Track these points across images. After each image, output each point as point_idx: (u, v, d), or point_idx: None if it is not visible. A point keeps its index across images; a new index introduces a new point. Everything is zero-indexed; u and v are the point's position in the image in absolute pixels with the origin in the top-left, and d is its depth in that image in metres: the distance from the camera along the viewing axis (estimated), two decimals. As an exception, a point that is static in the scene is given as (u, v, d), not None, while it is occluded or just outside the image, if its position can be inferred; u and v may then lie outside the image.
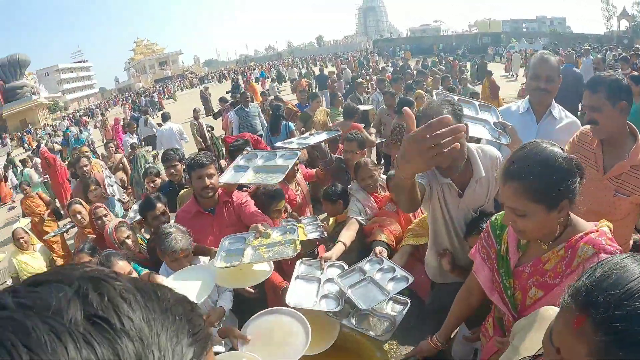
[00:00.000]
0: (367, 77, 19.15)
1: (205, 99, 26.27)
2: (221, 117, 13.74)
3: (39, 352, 0.46)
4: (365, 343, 2.92)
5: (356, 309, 2.98)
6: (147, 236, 4.79)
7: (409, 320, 2.98)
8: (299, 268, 3.44)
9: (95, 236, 5.10)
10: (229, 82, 43.20)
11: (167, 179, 6.04)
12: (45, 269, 5.93)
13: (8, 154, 25.93)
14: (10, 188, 16.65)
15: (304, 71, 37.04)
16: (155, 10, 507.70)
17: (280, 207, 4.36)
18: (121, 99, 63.63)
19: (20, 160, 16.83)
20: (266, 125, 9.61)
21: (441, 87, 11.11)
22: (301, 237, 3.57)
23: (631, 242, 3.23)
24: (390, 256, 3.62)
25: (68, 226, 7.63)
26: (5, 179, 17.40)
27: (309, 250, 4.20)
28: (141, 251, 4.38)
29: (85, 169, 7.21)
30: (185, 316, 0.58)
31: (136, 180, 8.00)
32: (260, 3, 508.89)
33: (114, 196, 6.18)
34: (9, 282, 6.56)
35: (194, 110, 13.32)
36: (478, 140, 3.33)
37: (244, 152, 4.51)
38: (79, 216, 5.53)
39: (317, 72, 29.33)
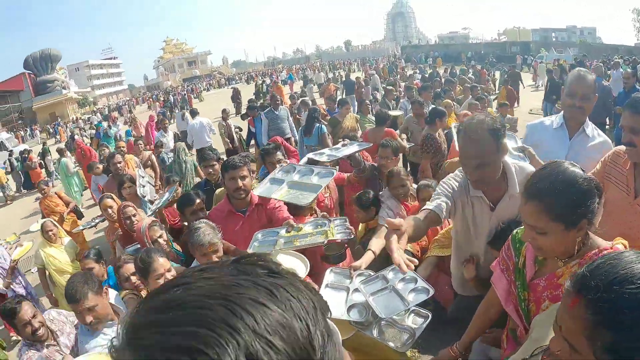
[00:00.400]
0: (395, 83, 19.09)
1: (236, 99, 26.55)
2: (249, 119, 13.85)
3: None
4: (389, 348, 2.92)
5: (378, 319, 2.98)
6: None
7: (431, 328, 2.98)
8: (329, 277, 3.46)
9: (122, 232, 5.21)
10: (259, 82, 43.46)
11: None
12: (70, 263, 6.10)
13: (44, 143, 26.64)
14: (46, 176, 17.00)
15: (331, 75, 37.15)
16: (185, 11, 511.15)
17: (309, 212, 4.44)
18: (149, 97, 64.24)
19: (57, 150, 17.28)
20: (293, 127, 9.82)
21: (470, 96, 11.02)
22: (330, 236, 3.60)
23: None
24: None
25: (97, 220, 7.74)
26: (41, 166, 17.89)
27: (337, 252, 4.24)
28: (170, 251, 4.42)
29: (119, 165, 7.33)
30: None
31: (176, 171, 8.14)
32: (289, 6, 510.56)
33: (144, 197, 6.23)
34: (34, 270, 6.63)
35: (223, 111, 13.37)
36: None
37: (282, 164, 4.55)
38: (109, 210, 5.60)
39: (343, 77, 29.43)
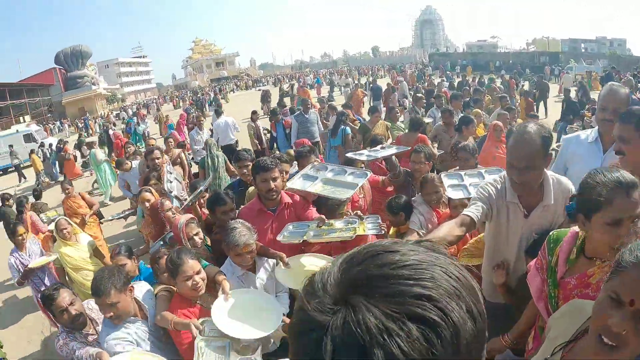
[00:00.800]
0: (423, 91, 19.03)
1: (266, 100, 26.77)
2: (270, 123, 14.01)
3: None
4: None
5: None
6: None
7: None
8: None
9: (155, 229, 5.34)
10: (286, 86, 43.66)
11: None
12: (88, 260, 6.17)
13: (80, 135, 27.41)
14: (81, 167, 17.39)
15: (364, 81, 37.16)
16: (214, 12, 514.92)
17: (342, 211, 4.51)
18: (175, 96, 64.91)
19: (86, 143, 17.97)
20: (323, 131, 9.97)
21: (499, 106, 10.93)
22: (360, 232, 3.71)
23: None
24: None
25: (127, 212, 7.86)
26: (76, 158, 18.37)
27: None
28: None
29: (157, 161, 7.38)
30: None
31: (208, 165, 8.28)
32: (317, 10, 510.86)
33: (171, 192, 6.34)
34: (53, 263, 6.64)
35: (253, 112, 13.51)
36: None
37: (314, 163, 4.65)
38: (147, 204, 5.69)
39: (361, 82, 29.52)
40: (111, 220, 9.62)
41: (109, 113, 54.79)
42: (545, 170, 2.86)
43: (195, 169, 10.11)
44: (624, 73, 29.34)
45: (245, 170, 5.74)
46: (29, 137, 30.53)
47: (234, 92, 61.53)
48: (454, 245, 4.26)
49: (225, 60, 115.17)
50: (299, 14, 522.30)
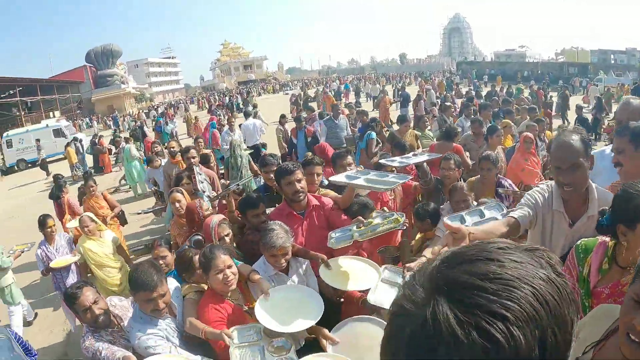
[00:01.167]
0: (451, 99, 18.89)
1: (297, 103, 27.05)
2: (291, 129, 14.14)
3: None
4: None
5: None
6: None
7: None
8: (384, 273, 3.66)
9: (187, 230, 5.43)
10: (312, 91, 43.82)
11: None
12: (111, 256, 6.28)
13: (115, 130, 28.13)
14: (114, 161, 17.73)
15: (395, 88, 37.14)
16: (244, 16, 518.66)
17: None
18: (201, 98, 65.57)
19: (124, 138, 18.46)
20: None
21: (527, 118, 10.84)
22: (400, 221, 3.79)
23: None
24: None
25: (158, 207, 7.99)
26: (111, 151, 18.77)
27: (392, 255, 4.42)
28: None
29: (192, 160, 7.49)
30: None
31: (232, 165, 8.42)
32: (345, 16, 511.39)
33: (204, 192, 6.45)
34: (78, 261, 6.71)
35: (282, 116, 13.68)
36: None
37: (353, 168, 4.71)
38: (177, 204, 5.77)
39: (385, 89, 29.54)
40: (139, 214, 9.78)
41: (140, 111, 55.42)
42: (590, 181, 2.94)
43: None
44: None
45: (272, 175, 5.69)
46: (58, 132, 31.11)
47: (260, 95, 61.82)
48: None
49: (253, 64, 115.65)
50: (328, 19, 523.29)
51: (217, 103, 45.78)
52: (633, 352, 1.51)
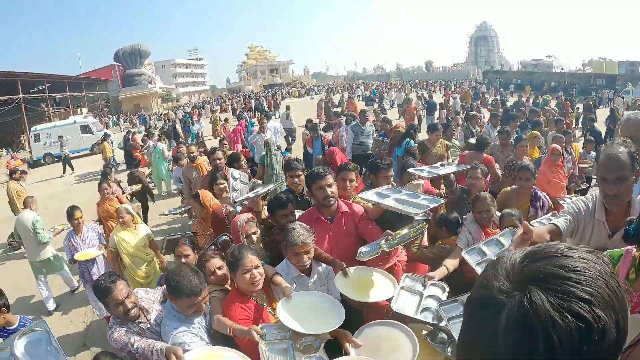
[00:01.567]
0: (478, 109, 18.71)
1: (328, 108, 27.39)
2: (331, 130, 14.15)
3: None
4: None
5: (453, 339, 3.12)
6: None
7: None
8: (404, 280, 3.71)
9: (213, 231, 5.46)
10: (337, 97, 43.89)
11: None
12: (142, 248, 6.46)
13: (150, 127, 29.51)
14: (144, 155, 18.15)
15: (419, 95, 37.05)
16: (271, 20, 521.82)
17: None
18: (224, 100, 66.07)
19: (158, 135, 18.94)
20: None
21: (554, 129, 10.71)
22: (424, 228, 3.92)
23: None
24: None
25: (184, 209, 8.09)
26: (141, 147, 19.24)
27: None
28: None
29: (218, 161, 7.51)
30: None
31: (267, 163, 8.58)
32: (372, 22, 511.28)
33: (235, 202, 6.41)
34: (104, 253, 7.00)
35: (308, 120, 13.75)
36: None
37: (390, 186, 4.70)
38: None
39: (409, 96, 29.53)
40: (167, 215, 9.92)
41: (169, 111, 56.11)
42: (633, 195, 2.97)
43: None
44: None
45: (297, 180, 5.74)
46: (85, 129, 31.87)
47: (284, 99, 62.06)
48: None
49: (279, 68, 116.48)
50: (354, 25, 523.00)
51: (242, 106, 45.99)
52: None
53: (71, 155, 25.57)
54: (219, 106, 59.31)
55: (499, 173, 7.28)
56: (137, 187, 11.61)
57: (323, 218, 4.29)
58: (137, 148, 19.16)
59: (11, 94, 41.90)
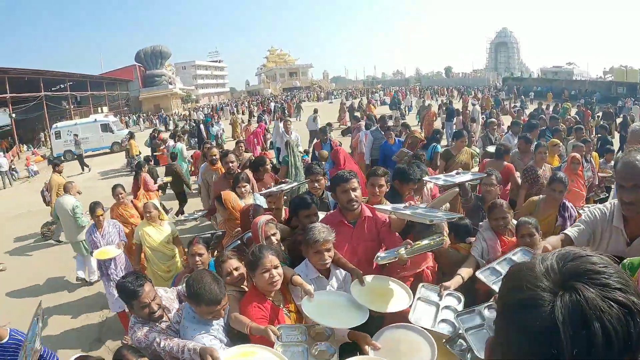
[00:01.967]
0: (497, 116, 18.54)
1: (351, 111, 27.62)
2: (350, 134, 14.23)
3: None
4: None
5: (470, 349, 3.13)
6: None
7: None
8: (420, 291, 3.71)
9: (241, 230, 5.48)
10: (356, 101, 43.98)
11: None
12: (165, 243, 6.59)
13: (176, 126, 30.59)
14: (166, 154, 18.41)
15: (434, 103, 36.97)
16: (291, 23, 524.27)
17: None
18: (242, 102, 66.42)
19: (178, 135, 19.50)
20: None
21: (574, 138, 10.68)
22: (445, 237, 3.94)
23: None
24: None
25: (199, 213, 8.16)
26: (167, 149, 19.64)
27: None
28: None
29: (231, 165, 7.57)
30: None
31: (291, 163, 8.74)
32: (392, 27, 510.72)
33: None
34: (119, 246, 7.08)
35: (327, 124, 13.85)
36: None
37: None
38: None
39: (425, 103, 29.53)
40: (184, 220, 10.04)
41: (191, 111, 56.82)
42: None
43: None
44: None
45: (317, 184, 5.82)
46: (106, 127, 32.36)
47: (302, 102, 62.10)
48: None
49: (299, 71, 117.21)
50: (374, 30, 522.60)
51: (262, 108, 46.17)
52: None
53: (91, 153, 25.85)
54: (235, 108, 59.56)
55: (519, 181, 7.25)
56: (168, 178, 12.20)
57: (345, 221, 4.31)
58: (161, 147, 19.47)
59: (34, 92, 42.56)
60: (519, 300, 0.95)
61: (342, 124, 27.56)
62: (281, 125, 13.84)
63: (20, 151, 38.70)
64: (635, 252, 2.90)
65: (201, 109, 60.65)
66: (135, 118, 56.24)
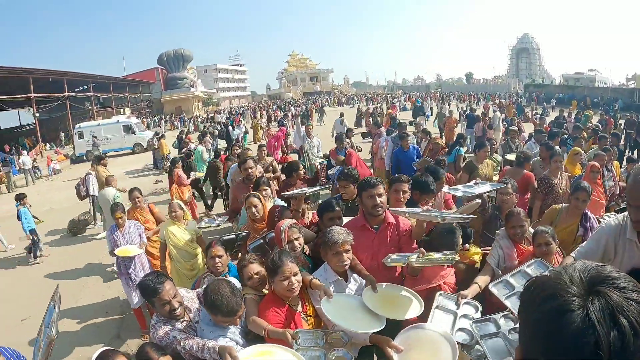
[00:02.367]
0: (519, 123, 18.33)
1: (376, 116, 27.86)
2: (370, 138, 14.30)
3: None
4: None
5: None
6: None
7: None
8: (438, 299, 3.73)
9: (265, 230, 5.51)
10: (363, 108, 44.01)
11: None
12: (188, 242, 6.67)
13: (204, 127, 31.64)
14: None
15: (454, 109, 36.81)
16: (312, 28, 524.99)
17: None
18: (261, 107, 66.66)
19: (197, 137, 20.34)
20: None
21: (596, 146, 10.43)
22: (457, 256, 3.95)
23: None
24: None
25: (221, 220, 8.23)
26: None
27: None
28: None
29: (250, 170, 7.52)
30: None
31: (308, 168, 8.86)
32: (412, 32, 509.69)
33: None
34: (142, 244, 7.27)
35: (348, 129, 13.95)
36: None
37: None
38: (253, 209, 5.72)
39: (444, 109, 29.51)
40: (204, 227, 10.13)
41: (215, 113, 57.38)
42: None
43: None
44: None
45: (345, 190, 5.86)
46: (128, 128, 32.81)
47: (323, 107, 62.10)
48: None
49: (320, 76, 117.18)
50: (395, 36, 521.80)
51: (284, 113, 46.14)
52: None
53: (113, 153, 26.17)
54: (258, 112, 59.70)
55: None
56: (200, 174, 13.25)
57: (369, 226, 4.36)
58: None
59: (58, 92, 43.32)
60: (555, 306, 1.05)
61: (367, 125, 27.51)
62: (302, 128, 13.93)
63: (44, 150, 39.23)
64: None
65: (222, 111, 60.92)
66: (156, 120, 56.74)
